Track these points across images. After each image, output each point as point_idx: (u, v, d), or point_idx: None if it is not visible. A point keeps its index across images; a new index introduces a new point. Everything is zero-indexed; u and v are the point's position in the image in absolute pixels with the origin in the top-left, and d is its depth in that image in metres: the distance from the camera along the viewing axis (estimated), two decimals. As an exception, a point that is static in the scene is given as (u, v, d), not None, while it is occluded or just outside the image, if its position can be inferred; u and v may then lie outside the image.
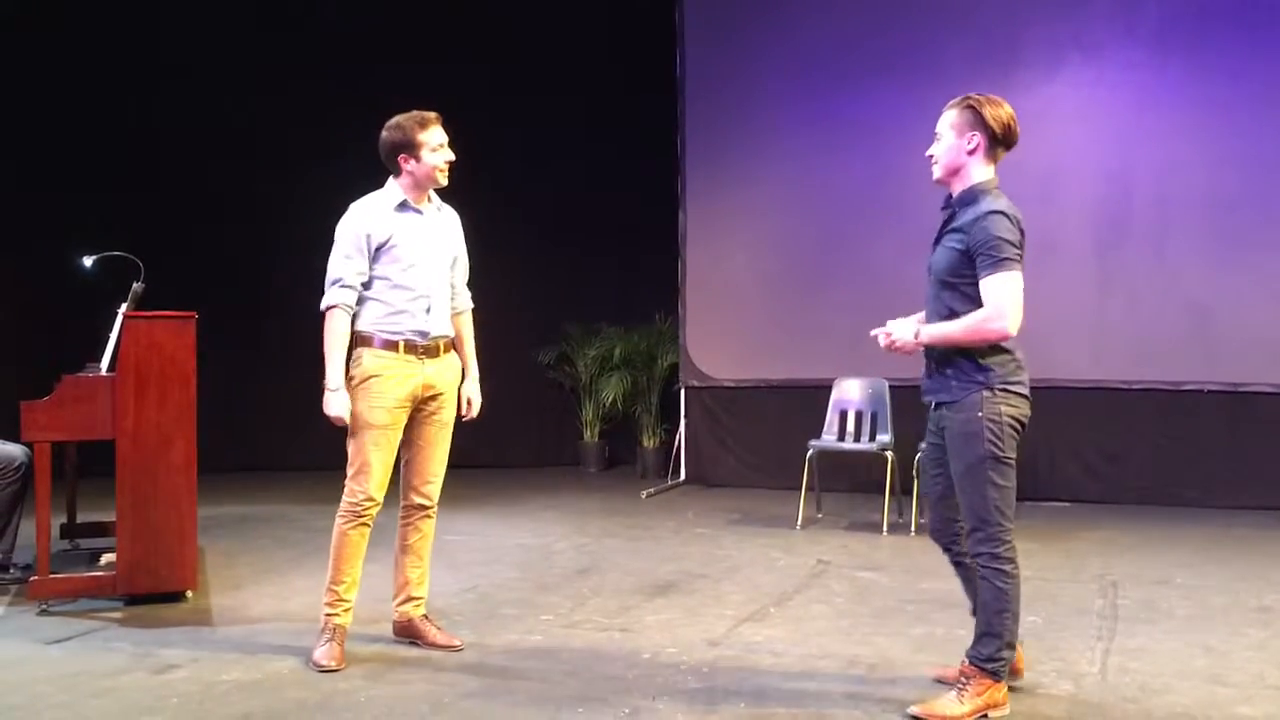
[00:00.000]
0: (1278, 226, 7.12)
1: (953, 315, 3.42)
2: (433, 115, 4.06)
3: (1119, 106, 7.48)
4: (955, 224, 3.45)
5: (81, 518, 5.99)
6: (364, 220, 3.99)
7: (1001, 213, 3.35)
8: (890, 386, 7.00)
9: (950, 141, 3.48)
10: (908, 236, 7.78)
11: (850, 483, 7.62)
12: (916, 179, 7.55)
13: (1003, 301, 3.31)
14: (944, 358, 3.48)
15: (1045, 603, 4.76)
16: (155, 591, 4.74)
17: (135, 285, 5.22)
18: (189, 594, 4.85)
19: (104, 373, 4.95)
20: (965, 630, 4.29)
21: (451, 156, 4.07)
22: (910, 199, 7.80)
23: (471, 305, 4.31)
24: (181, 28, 8.71)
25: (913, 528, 6.55)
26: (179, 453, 4.68)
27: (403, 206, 4.04)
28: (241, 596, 5.02)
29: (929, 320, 3.55)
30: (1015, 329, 3.33)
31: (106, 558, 5.11)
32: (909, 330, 3.50)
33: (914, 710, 3.41)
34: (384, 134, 4.04)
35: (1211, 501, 7.15)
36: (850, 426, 7.01)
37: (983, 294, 3.35)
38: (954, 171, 3.49)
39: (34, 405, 4.54)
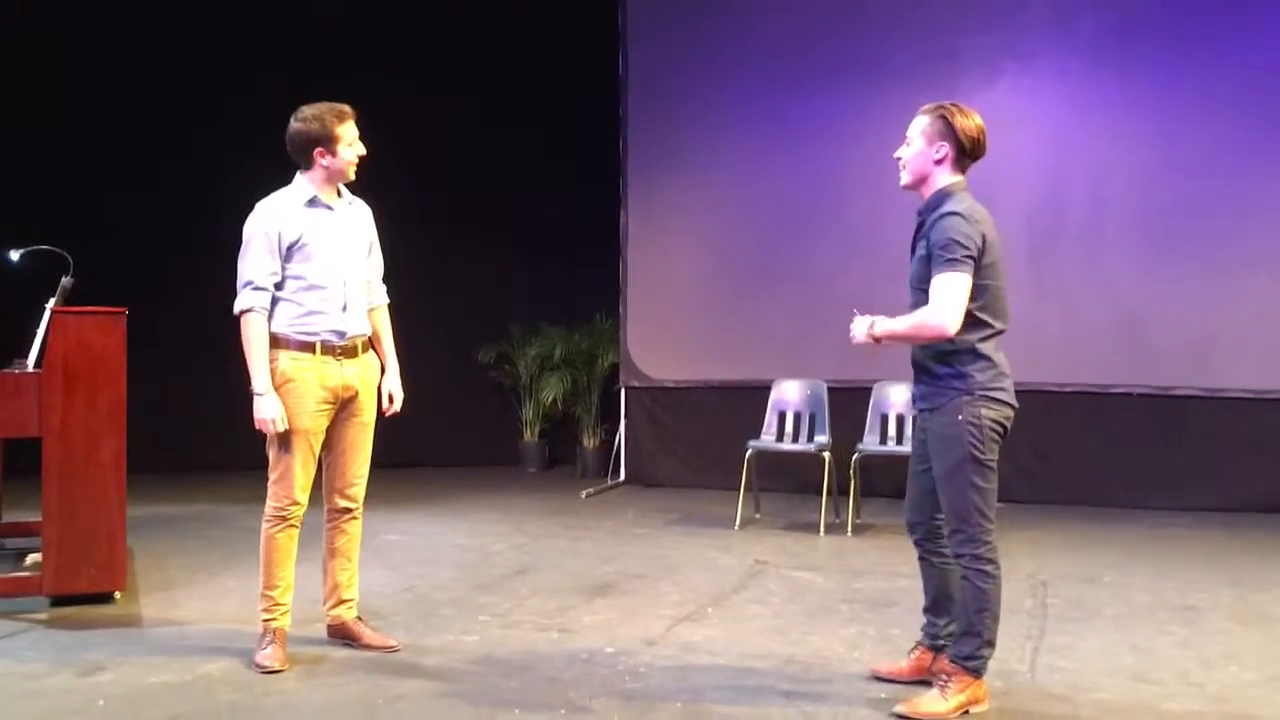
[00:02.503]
0: (1206, 233, 7.29)
1: None
2: (348, 109, 3.96)
3: (1053, 114, 7.62)
4: (923, 230, 3.51)
5: (6, 517, 5.85)
6: (273, 219, 3.87)
7: (958, 214, 3.40)
8: (829, 388, 7.07)
9: (919, 148, 3.54)
10: (849, 240, 7.89)
11: (788, 483, 7.66)
12: (858, 182, 7.76)
13: (944, 301, 3.35)
14: (926, 367, 3.54)
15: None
16: (83, 592, 4.64)
17: (64, 280, 5.10)
18: (117, 595, 4.75)
19: (30, 369, 4.84)
20: (899, 629, 4.37)
21: (363, 151, 3.97)
22: (852, 202, 7.90)
23: (387, 300, 4.22)
24: (118, 24, 8.55)
25: (849, 528, 6.61)
26: (108, 451, 4.59)
27: (313, 203, 3.93)
28: (171, 597, 4.93)
29: None
30: (954, 329, 3.36)
31: (32, 558, 4.99)
32: (863, 324, 3.53)
33: (900, 709, 3.45)
34: (297, 125, 3.90)
35: (1139, 502, 7.29)
36: (789, 427, 7.06)
37: (931, 291, 3.39)
38: (921, 179, 3.55)
39: (-43, 402, 4.43)
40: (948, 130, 3.49)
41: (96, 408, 4.57)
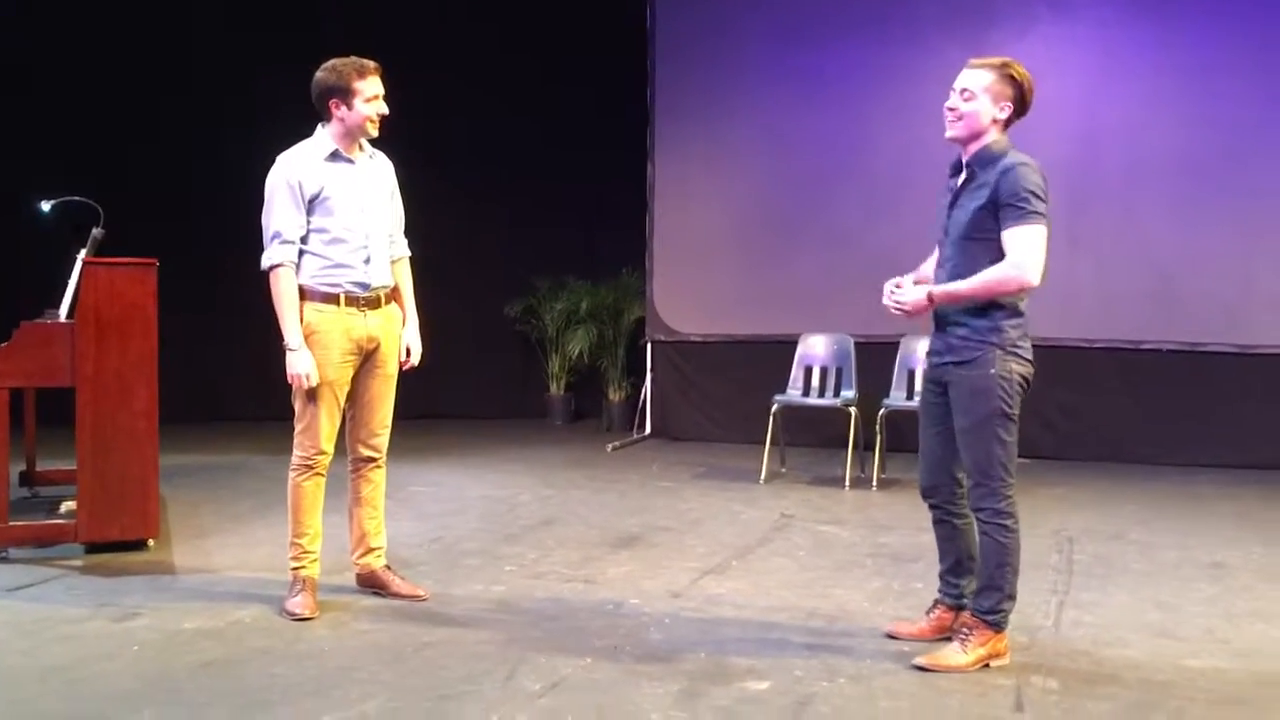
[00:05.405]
0: (1242, 189, 7.18)
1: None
2: (372, 65, 3.94)
3: (1089, 65, 7.50)
4: (977, 181, 3.44)
5: (40, 465, 5.93)
6: (294, 171, 3.88)
7: (1029, 165, 3.38)
8: (855, 342, 7.04)
9: (983, 104, 3.44)
10: (876, 194, 7.81)
11: (814, 438, 7.66)
12: (887, 136, 7.68)
13: (1026, 255, 3.33)
14: (957, 320, 3.48)
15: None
16: (116, 539, 4.71)
17: (95, 231, 5.14)
18: (150, 542, 4.83)
19: (63, 319, 4.89)
20: (922, 584, 4.38)
21: (385, 110, 3.95)
22: (880, 156, 7.82)
23: (409, 253, 4.21)
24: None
25: (874, 483, 6.61)
26: (140, 400, 4.64)
27: (334, 156, 3.94)
28: (204, 545, 5.00)
29: (948, 280, 3.50)
30: (1037, 280, 3.35)
31: (67, 505, 5.08)
32: (918, 293, 3.47)
33: (920, 661, 3.46)
34: (319, 74, 3.92)
35: (1168, 459, 7.25)
36: (815, 382, 7.04)
37: (1005, 245, 3.36)
38: (975, 135, 3.46)
39: (-9, 351, 4.48)
40: (1016, 92, 3.45)
41: (128, 357, 4.61)
